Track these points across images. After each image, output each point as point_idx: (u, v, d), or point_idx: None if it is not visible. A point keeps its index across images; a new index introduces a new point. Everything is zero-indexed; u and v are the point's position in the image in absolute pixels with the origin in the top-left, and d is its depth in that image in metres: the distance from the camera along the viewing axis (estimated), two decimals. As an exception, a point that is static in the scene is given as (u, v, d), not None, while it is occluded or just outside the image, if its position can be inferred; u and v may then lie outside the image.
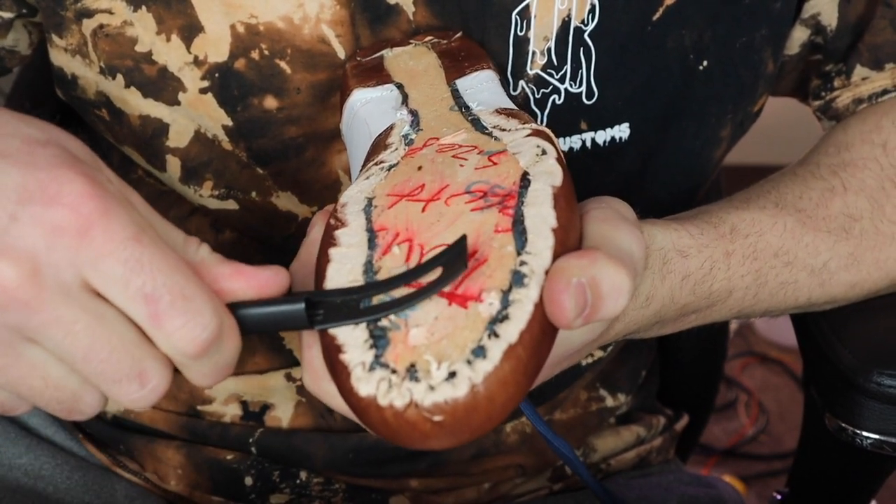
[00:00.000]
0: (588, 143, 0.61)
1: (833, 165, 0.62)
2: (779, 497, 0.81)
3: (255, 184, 0.61)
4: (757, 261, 0.56)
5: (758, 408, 1.69)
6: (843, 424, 0.61)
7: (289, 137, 0.59)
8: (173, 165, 0.62)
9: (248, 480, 0.68)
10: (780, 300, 0.59)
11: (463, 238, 0.39)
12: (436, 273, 0.39)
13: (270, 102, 0.58)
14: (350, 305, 0.39)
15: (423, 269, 0.39)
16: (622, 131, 0.61)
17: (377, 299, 0.39)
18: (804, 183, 0.61)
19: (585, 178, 0.61)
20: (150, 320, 0.38)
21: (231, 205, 0.63)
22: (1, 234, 0.36)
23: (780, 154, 1.59)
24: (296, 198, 0.62)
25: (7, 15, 0.61)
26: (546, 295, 0.39)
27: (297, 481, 0.68)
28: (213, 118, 0.59)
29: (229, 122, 0.59)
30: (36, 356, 0.39)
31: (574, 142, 0.61)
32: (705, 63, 0.61)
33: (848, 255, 0.60)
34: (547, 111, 0.60)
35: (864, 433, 0.61)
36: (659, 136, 0.63)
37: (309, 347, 0.42)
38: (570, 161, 0.60)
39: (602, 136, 0.61)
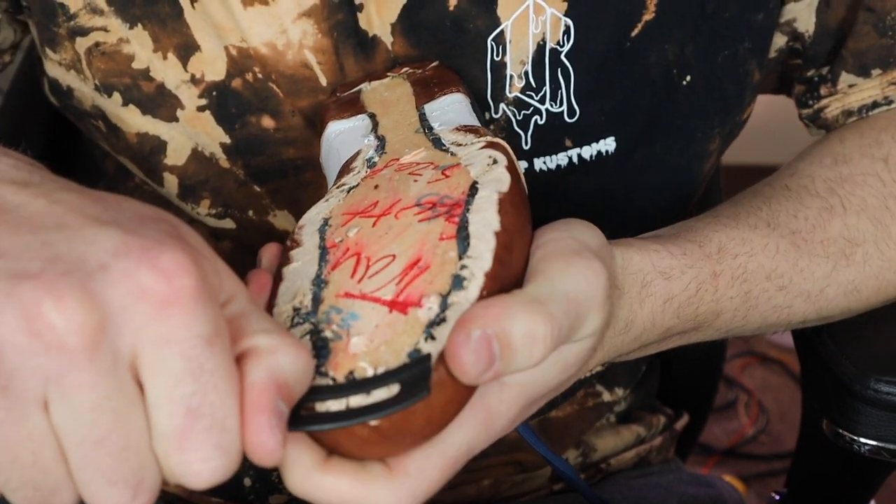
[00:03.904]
0: (575, 159, 0.61)
1: (830, 180, 0.60)
2: (777, 497, 0.81)
3: (252, 202, 0.62)
4: (747, 282, 0.55)
5: (758, 408, 1.69)
6: (841, 431, 0.61)
7: (287, 158, 0.59)
8: (171, 183, 0.62)
9: (247, 481, 0.68)
10: (772, 322, 0.58)
11: (427, 356, 0.37)
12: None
13: (268, 122, 0.58)
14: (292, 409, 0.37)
15: (379, 381, 0.37)
16: (608, 145, 0.61)
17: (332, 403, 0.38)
18: (799, 200, 0.59)
19: (574, 193, 0.61)
20: (176, 436, 0.34)
21: (228, 223, 0.63)
22: (84, 278, 0.32)
23: (781, 154, 1.59)
24: (293, 217, 0.62)
25: None
26: (446, 349, 0.38)
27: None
28: (211, 136, 0.59)
29: (227, 140, 0.59)
30: (39, 426, 0.33)
31: (560, 159, 0.60)
32: (688, 78, 0.61)
33: (848, 282, 0.58)
34: (530, 132, 0.60)
35: (862, 439, 0.61)
36: (645, 150, 0.62)
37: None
38: (558, 177, 0.61)
39: (588, 151, 0.61)
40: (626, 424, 0.77)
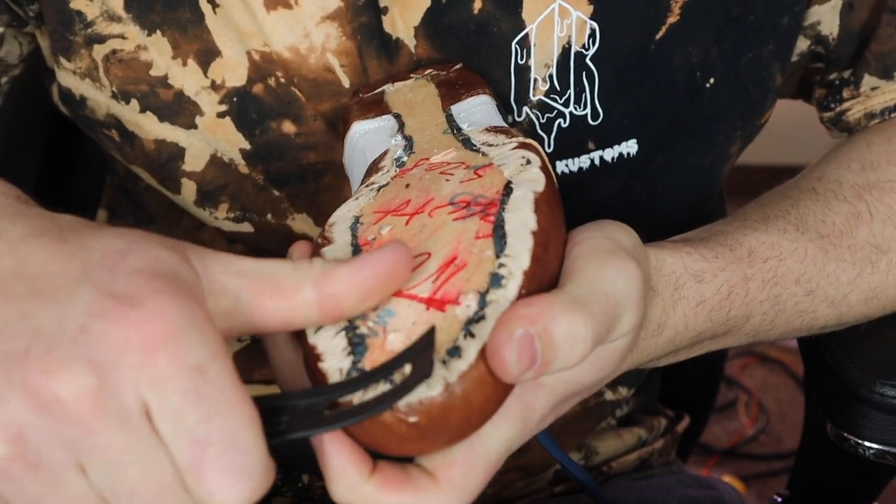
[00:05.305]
0: (597, 161, 0.61)
1: (857, 186, 0.60)
2: (779, 500, 0.81)
3: (270, 206, 0.61)
4: (777, 286, 0.55)
5: (758, 408, 1.69)
6: (845, 434, 0.61)
7: (307, 163, 0.59)
8: (188, 189, 0.61)
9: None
10: (796, 327, 0.58)
11: (431, 330, 0.38)
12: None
13: (288, 127, 0.58)
14: (315, 410, 0.37)
15: (389, 367, 0.37)
16: (630, 147, 0.61)
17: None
18: (826, 204, 0.59)
19: (594, 194, 0.61)
20: (191, 468, 0.34)
21: (246, 227, 0.63)
22: (70, 346, 0.33)
23: (782, 154, 1.59)
24: (311, 220, 0.62)
25: (0, 29, 0.60)
26: (488, 348, 0.38)
27: (300, 485, 0.68)
28: (231, 142, 0.59)
29: (247, 146, 0.59)
30: (78, 488, 0.34)
31: (583, 161, 0.60)
32: (712, 81, 0.61)
33: (870, 289, 0.58)
34: (553, 135, 0.59)
35: (867, 443, 0.61)
36: (667, 152, 0.62)
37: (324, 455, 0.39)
38: (579, 179, 0.60)
39: (610, 154, 0.61)
40: (628, 427, 0.77)
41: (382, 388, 0.37)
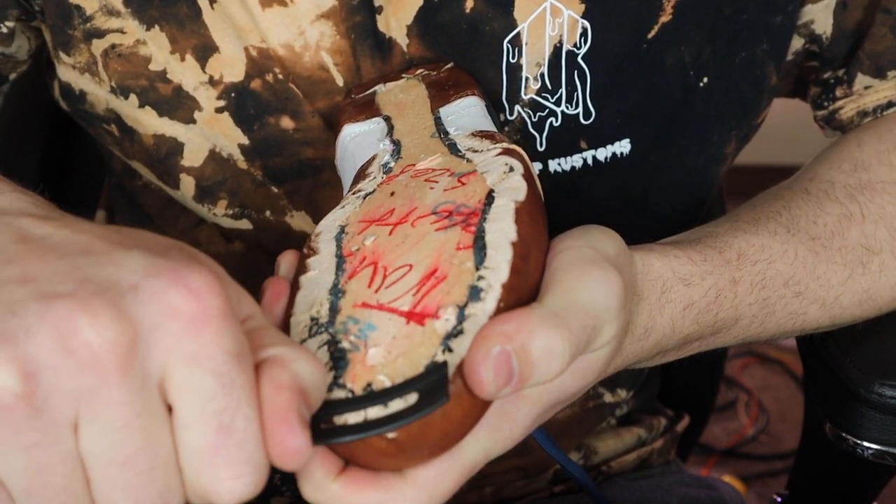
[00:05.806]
0: (589, 161, 0.61)
1: (849, 186, 0.60)
2: (779, 500, 0.81)
3: (269, 203, 0.62)
4: (766, 289, 0.55)
5: (758, 408, 1.69)
6: (844, 434, 0.61)
7: (305, 159, 0.60)
8: (187, 184, 0.62)
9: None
10: (787, 328, 0.58)
11: (443, 364, 0.37)
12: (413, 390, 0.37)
13: (287, 123, 0.58)
14: (312, 423, 0.37)
15: (396, 391, 0.37)
16: (623, 147, 0.61)
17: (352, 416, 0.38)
18: (818, 205, 0.59)
19: (588, 195, 0.61)
20: (208, 453, 0.33)
21: (245, 224, 0.63)
22: (116, 297, 0.33)
23: (781, 154, 1.59)
24: (310, 217, 0.62)
25: (11, 24, 0.61)
26: (465, 366, 0.38)
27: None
28: (229, 137, 0.59)
29: (245, 141, 0.59)
30: (70, 449, 0.32)
31: (575, 161, 0.60)
32: (705, 80, 0.61)
33: (863, 291, 0.58)
34: (545, 134, 0.60)
35: (865, 443, 0.61)
36: (660, 152, 0.62)
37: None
38: (572, 179, 0.60)
39: (603, 153, 0.61)
40: (627, 427, 0.77)
41: (380, 411, 0.37)
